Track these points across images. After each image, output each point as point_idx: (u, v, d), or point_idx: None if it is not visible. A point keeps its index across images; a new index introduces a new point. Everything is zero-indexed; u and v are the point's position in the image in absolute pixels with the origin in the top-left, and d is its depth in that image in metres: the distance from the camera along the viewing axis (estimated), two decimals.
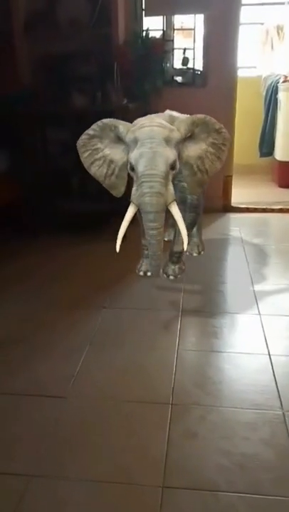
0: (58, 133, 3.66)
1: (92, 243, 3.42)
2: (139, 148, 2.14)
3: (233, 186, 4.15)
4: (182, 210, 2.31)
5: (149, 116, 2.27)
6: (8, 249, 3.36)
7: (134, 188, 2.24)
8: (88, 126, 2.36)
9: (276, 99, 4.74)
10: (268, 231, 3.93)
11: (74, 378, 1.99)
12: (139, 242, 2.81)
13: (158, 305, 2.61)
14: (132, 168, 2.20)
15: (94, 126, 2.36)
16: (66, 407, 1.84)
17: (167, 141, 2.14)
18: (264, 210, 4.15)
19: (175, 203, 2.25)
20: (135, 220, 2.34)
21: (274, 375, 1.97)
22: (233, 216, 4.08)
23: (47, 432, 1.71)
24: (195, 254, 3.10)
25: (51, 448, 1.65)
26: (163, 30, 3.93)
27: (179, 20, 4.18)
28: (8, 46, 3.68)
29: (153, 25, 3.89)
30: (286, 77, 4.66)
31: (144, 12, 3.85)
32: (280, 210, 4.14)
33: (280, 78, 4.71)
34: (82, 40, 3.68)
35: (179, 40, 4.14)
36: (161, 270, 2.66)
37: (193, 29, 3.86)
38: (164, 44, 3.86)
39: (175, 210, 2.26)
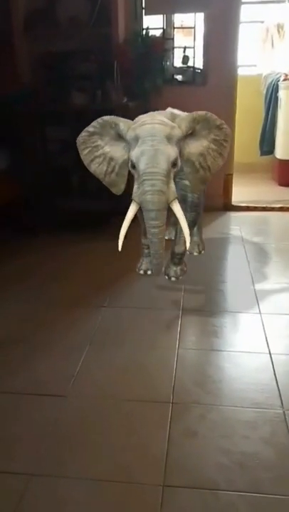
0: (58, 132, 3.66)
1: (92, 242, 3.42)
2: (141, 146, 2.13)
3: (233, 185, 4.14)
4: (183, 209, 2.31)
5: (150, 113, 2.26)
6: (8, 249, 3.36)
7: (135, 187, 2.23)
8: (88, 125, 2.36)
9: (276, 98, 4.73)
10: (269, 230, 3.93)
11: (74, 377, 1.99)
12: (140, 241, 2.81)
13: (158, 304, 2.60)
14: (134, 166, 2.20)
15: (94, 123, 2.35)
16: (66, 406, 1.84)
17: (168, 138, 2.14)
18: (264, 209, 4.14)
19: (177, 201, 2.24)
20: (135, 218, 2.33)
21: (274, 374, 1.97)
22: (234, 215, 4.07)
23: (47, 432, 1.71)
24: (195, 254, 3.09)
25: (51, 447, 1.65)
26: (163, 28, 3.92)
27: (179, 18, 4.17)
28: (8, 45, 3.68)
29: (153, 23, 3.89)
30: (286, 75, 4.64)
31: (144, 11, 3.84)
32: (281, 209, 4.13)
33: (280, 76, 4.70)
34: (82, 38, 3.68)
35: (179, 39, 4.13)
36: (163, 270, 2.65)
37: (194, 27, 3.85)
38: (164, 42, 3.85)
39: (177, 208, 2.25)
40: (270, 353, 2.11)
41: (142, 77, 3.63)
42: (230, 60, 3.79)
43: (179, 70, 4.00)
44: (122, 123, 2.26)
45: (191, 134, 2.27)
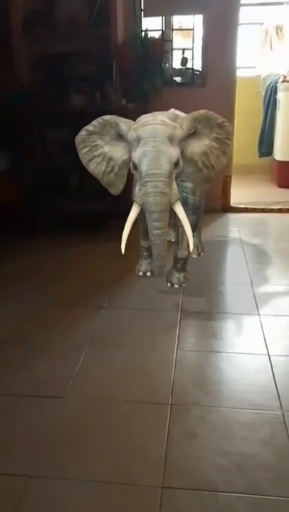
0: (58, 133, 3.66)
1: (91, 243, 3.43)
2: (143, 147, 2.13)
3: (232, 186, 4.15)
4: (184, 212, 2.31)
5: (152, 113, 2.24)
6: (8, 249, 3.36)
7: (137, 188, 2.23)
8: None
9: (275, 99, 4.74)
10: (267, 231, 3.93)
11: (73, 378, 1.99)
12: (139, 243, 2.81)
13: (158, 305, 2.61)
14: (135, 167, 2.19)
15: (94, 122, 2.34)
16: (65, 407, 1.84)
17: (170, 139, 2.13)
18: (263, 210, 4.15)
19: (179, 203, 2.24)
20: (135, 220, 2.33)
21: (273, 376, 1.98)
22: (232, 216, 4.08)
23: (46, 433, 1.71)
24: (194, 256, 3.09)
25: (51, 448, 1.65)
26: (162, 30, 3.93)
27: (178, 20, 4.18)
28: (6, 46, 3.69)
29: (152, 25, 3.89)
30: (285, 77, 4.66)
31: (143, 12, 3.85)
32: (279, 210, 4.14)
33: (279, 78, 4.71)
34: (81, 40, 3.68)
35: (178, 41, 4.14)
36: (165, 276, 2.64)
37: (192, 29, 3.86)
38: (163, 44, 3.86)
39: (179, 210, 2.25)
40: (268, 355, 2.12)
41: (140, 78, 3.63)
42: (229, 62, 3.80)
43: (178, 72, 4.01)
44: (123, 123, 2.26)
45: (193, 134, 2.27)
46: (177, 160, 2.16)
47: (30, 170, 3.65)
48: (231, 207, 4.17)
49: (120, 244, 2.29)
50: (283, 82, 4.63)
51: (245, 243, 3.45)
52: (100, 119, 2.32)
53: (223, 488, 1.47)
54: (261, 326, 2.35)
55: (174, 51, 4.04)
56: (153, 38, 3.79)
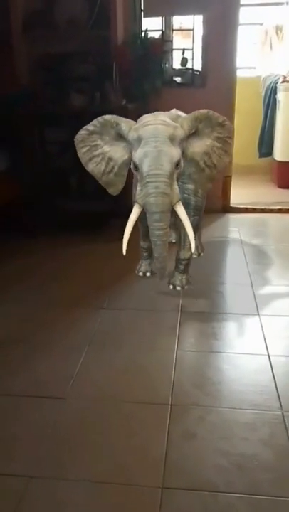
0: (57, 133, 3.66)
1: (91, 243, 3.43)
2: (144, 147, 2.12)
3: (232, 187, 4.15)
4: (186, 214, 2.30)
5: (154, 113, 2.23)
6: (8, 249, 3.36)
7: (138, 189, 2.22)
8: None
9: (275, 100, 4.74)
10: (267, 231, 3.93)
11: (73, 379, 1.99)
12: (139, 243, 2.81)
13: (157, 305, 2.61)
14: (136, 168, 2.19)
15: (94, 121, 2.33)
16: (65, 407, 1.84)
17: (172, 139, 2.12)
18: (263, 211, 4.15)
19: (181, 203, 2.23)
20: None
21: (273, 376, 1.98)
22: (232, 216, 4.08)
23: (46, 433, 1.71)
24: (194, 256, 3.08)
25: (51, 449, 1.65)
26: (162, 30, 3.93)
27: (178, 20, 4.18)
28: (6, 46, 3.69)
29: (152, 25, 3.89)
30: (285, 77, 4.66)
31: (143, 13, 3.85)
32: (279, 211, 4.14)
33: (279, 78, 4.71)
34: (81, 40, 3.68)
35: (178, 41, 4.14)
36: (167, 279, 2.64)
37: (192, 30, 3.86)
38: (163, 44, 3.86)
39: (181, 211, 2.24)
40: (268, 355, 2.12)
41: (140, 79, 3.63)
42: (229, 62, 3.80)
43: (178, 72, 4.01)
44: (124, 123, 2.25)
45: (194, 134, 2.26)
46: (178, 160, 2.16)
47: (30, 170, 3.65)
48: (231, 207, 4.17)
49: (121, 244, 2.29)
50: (283, 82, 4.63)
51: (245, 243, 3.45)
52: (100, 119, 2.32)
53: (223, 488, 1.47)
54: (261, 326, 2.35)
55: (173, 51, 4.03)
56: (153, 38, 3.79)
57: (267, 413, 1.77)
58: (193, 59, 3.92)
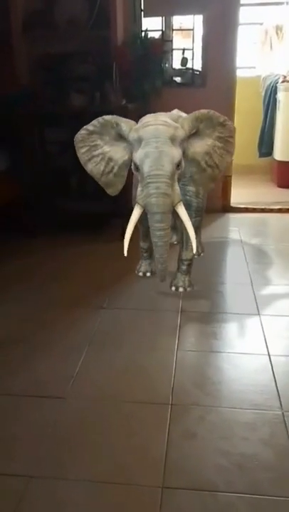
0: (57, 133, 3.66)
1: (92, 243, 3.43)
2: (144, 148, 2.12)
3: (232, 186, 4.15)
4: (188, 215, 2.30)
5: (155, 113, 2.23)
6: (8, 249, 3.36)
7: (139, 189, 2.22)
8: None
9: (275, 99, 4.74)
10: (267, 231, 3.93)
11: (73, 379, 1.99)
12: (139, 244, 2.81)
13: (157, 305, 2.61)
14: (137, 168, 2.18)
15: (94, 122, 2.32)
16: (65, 407, 1.84)
17: (172, 139, 2.12)
18: (263, 210, 4.16)
19: (182, 204, 2.23)
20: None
21: (273, 375, 1.98)
22: (232, 216, 4.08)
23: (46, 433, 1.71)
24: (195, 256, 3.08)
25: (51, 448, 1.65)
26: (162, 30, 3.93)
27: (178, 20, 4.18)
28: (6, 46, 3.69)
29: (152, 25, 3.90)
30: (285, 77, 4.66)
31: (143, 13, 3.85)
32: (279, 210, 4.14)
33: (279, 78, 4.72)
34: (81, 40, 3.68)
35: (178, 41, 4.15)
36: (169, 280, 2.63)
37: (192, 29, 3.86)
38: (163, 44, 3.86)
39: (182, 211, 2.24)
40: (269, 355, 2.12)
41: (140, 79, 3.63)
42: (229, 62, 3.80)
43: (178, 72, 4.01)
44: (124, 123, 2.25)
45: (195, 134, 2.26)
46: (179, 161, 2.15)
47: (30, 170, 3.65)
48: (231, 207, 4.17)
49: (121, 244, 2.29)
50: (283, 82, 4.63)
51: (245, 243, 3.45)
52: (100, 119, 2.31)
53: (223, 488, 1.47)
54: (261, 326, 2.35)
55: (174, 51, 4.04)
56: (153, 38, 3.79)
57: (267, 413, 1.77)
58: (193, 59, 3.92)
